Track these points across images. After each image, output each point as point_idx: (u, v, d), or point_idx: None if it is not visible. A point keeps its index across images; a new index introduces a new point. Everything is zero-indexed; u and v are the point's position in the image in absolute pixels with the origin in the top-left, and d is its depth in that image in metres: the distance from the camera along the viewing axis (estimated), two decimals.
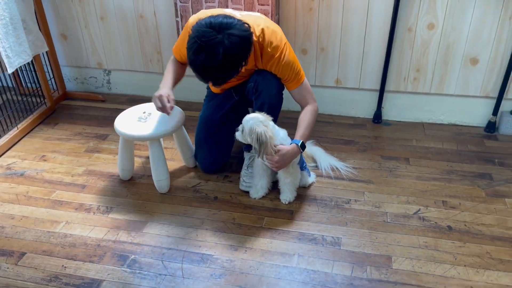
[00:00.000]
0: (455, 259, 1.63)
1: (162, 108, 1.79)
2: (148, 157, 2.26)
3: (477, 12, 2.16)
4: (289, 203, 1.92)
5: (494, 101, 2.38)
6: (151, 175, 2.09)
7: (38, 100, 2.67)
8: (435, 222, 1.81)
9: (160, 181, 1.97)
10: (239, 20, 1.61)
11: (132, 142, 2.01)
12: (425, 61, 2.35)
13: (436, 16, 2.21)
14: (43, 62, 2.66)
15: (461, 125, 2.50)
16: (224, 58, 1.55)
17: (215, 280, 1.56)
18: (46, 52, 2.63)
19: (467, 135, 2.42)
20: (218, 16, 1.63)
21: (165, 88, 1.85)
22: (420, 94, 2.47)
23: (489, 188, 2.00)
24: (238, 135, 1.77)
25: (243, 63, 1.63)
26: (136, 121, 1.96)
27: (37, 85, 2.64)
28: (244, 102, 2.14)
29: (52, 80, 2.79)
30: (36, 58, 2.53)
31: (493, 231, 1.76)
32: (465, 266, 1.60)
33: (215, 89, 2.11)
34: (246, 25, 1.63)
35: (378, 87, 2.48)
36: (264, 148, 1.68)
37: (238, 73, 1.67)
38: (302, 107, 1.91)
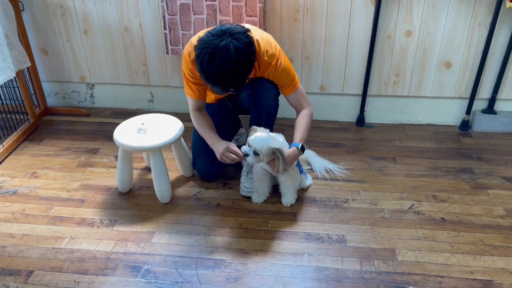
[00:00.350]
0: (453, 247, 1.75)
1: (234, 158, 1.83)
2: (144, 168, 2.26)
3: (450, 20, 2.34)
4: (291, 205, 1.99)
5: (467, 101, 2.57)
6: (150, 186, 2.11)
7: (20, 116, 2.60)
8: (429, 215, 1.93)
9: (162, 191, 1.98)
10: (235, 24, 1.67)
11: (131, 154, 2.01)
12: (404, 66, 2.50)
13: (413, 23, 2.37)
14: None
15: (438, 125, 2.67)
16: (238, 55, 1.59)
17: (232, 283, 1.60)
18: (27, 67, 2.58)
19: (444, 134, 2.59)
20: (214, 27, 1.68)
21: (219, 142, 1.89)
22: (400, 97, 2.62)
23: (472, 182, 2.15)
24: (250, 159, 1.76)
25: (254, 58, 1.68)
26: (136, 133, 1.97)
27: (19, 101, 2.58)
28: (238, 110, 2.20)
29: (33, 95, 2.73)
30: (18, 73, 2.48)
31: (482, 220, 1.90)
32: (462, 253, 1.72)
33: (209, 99, 2.14)
34: (238, 25, 1.68)
35: (360, 92, 2.60)
36: (283, 160, 1.73)
37: (251, 72, 1.70)
38: (298, 111, 1.99)
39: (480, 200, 2.02)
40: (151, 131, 1.98)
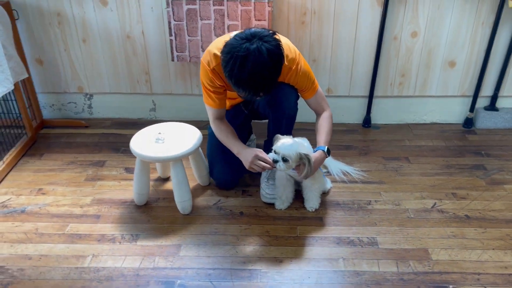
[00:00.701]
0: (483, 244, 1.77)
1: (264, 167, 1.76)
2: (157, 179, 2.19)
3: (454, 19, 2.38)
4: (315, 210, 1.96)
5: (470, 99, 2.62)
6: (167, 197, 2.04)
7: (17, 131, 2.47)
8: (454, 213, 1.94)
9: (184, 202, 1.92)
10: (258, 28, 1.64)
11: (148, 165, 1.94)
12: (409, 67, 2.53)
13: (419, 24, 2.40)
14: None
15: (442, 123, 2.71)
16: (270, 58, 1.56)
17: None
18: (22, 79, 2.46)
19: (449, 132, 2.63)
20: (238, 33, 1.64)
21: (246, 149, 1.83)
22: (405, 97, 2.64)
23: (487, 178, 2.19)
24: (281, 166, 1.73)
25: (283, 60, 1.65)
26: (154, 143, 1.90)
27: (16, 115, 2.45)
28: (254, 115, 2.16)
29: (29, 108, 2.60)
30: (15, 85, 2.35)
31: (504, 215, 1.93)
32: (493, 249, 1.74)
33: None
34: (264, 28, 1.65)
35: (367, 93, 2.61)
36: (310, 165, 1.70)
37: (280, 75, 1.67)
38: (319, 114, 1.97)
39: (499, 195, 2.06)
40: (169, 140, 1.91)
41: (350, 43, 2.47)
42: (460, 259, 1.69)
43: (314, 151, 1.84)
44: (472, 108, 2.62)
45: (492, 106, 2.63)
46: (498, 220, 1.90)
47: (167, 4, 2.27)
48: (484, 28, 2.41)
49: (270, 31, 1.63)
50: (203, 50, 2.37)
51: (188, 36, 2.35)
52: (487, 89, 2.59)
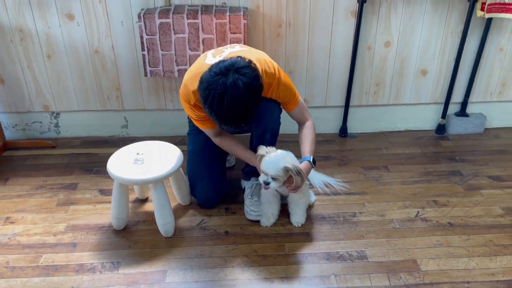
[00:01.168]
0: (468, 251, 1.79)
1: None
2: (135, 201, 2.10)
3: (425, 29, 2.43)
4: (302, 225, 1.93)
5: (442, 106, 2.68)
6: (147, 220, 1.96)
7: None
8: (437, 221, 1.96)
9: (166, 224, 1.84)
10: (233, 58, 1.59)
11: (127, 188, 1.85)
12: (383, 76, 2.56)
13: (391, 35, 2.44)
14: None
15: (416, 130, 2.76)
16: (248, 91, 1.52)
17: None
18: None
19: (424, 139, 2.67)
20: (214, 64, 1.59)
21: (256, 158, 1.80)
22: (380, 106, 2.67)
23: (464, 183, 2.23)
24: (273, 185, 1.70)
25: (262, 89, 1.62)
26: (133, 164, 1.81)
27: None
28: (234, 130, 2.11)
29: None
30: None
31: (485, 221, 1.97)
32: (479, 256, 1.77)
33: None
34: (240, 58, 1.61)
35: (343, 103, 2.62)
36: (302, 176, 1.67)
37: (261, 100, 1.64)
38: (302, 124, 1.93)
39: (477, 201, 2.10)
40: (149, 161, 1.83)
41: (326, 54, 2.47)
42: (448, 268, 1.71)
43: (300, 162, 1.81)
44: (444, 115, 2.68)
45: (462, 112, 2.70)
46: (480, 226, 1.93)
47: (139, 18, 2.19)
48: (453, 37, 2.47)
49: (246, 61, 1.58)
50: (178, 65, 2.31)
51: (162, 50, 2.28)
52: (458, 96, 2.66)
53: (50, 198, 2.13)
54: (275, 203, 1.91)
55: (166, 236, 1.87)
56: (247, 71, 1.55)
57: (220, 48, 1.88)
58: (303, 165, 1.77)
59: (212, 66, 1.58)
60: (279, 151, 1.76)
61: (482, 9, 2.33)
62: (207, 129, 1.86)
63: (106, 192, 2.16)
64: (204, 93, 1.55)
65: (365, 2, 2.31)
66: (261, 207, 1.93)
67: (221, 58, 1.73)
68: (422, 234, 1.88)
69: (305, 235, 1.88)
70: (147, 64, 2.31)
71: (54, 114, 2.59)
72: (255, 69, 1.58)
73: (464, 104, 2.67)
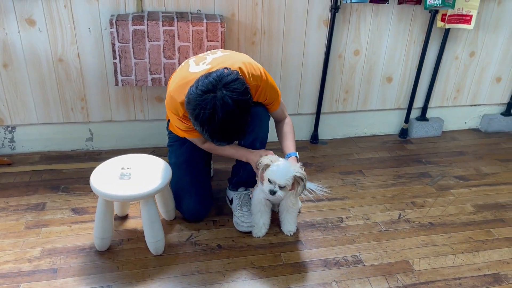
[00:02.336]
0: (453, 249, 1.88)
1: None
2: (115, 219, 1.97)
3: (391, 38, 2.55)
4: (294, 234, 1.92)
5: (405, 111, 2.82)
6: (131, 238, 1.86)
7: None
8: (419, 222, 2.05)
9: (157, 242, 1.74)
10: (219, 70, 1.55)
11: (113, 205, 1.73)
12: (353, 83, 2.64)
13: (361, 43, 2.52)
14: None
15: (381, 135, 2.87)
16: (237, 106, 1.49)
17: None
18: None
19: (390, 143, 2.79)
20: (199, 80, 1.54)
21: (253, 152, 1.79)
22: (349, 112, 2.75)
23: (435, 184, 2.36)
24: (280, 194, 1.66)
25: (251, 102, 1.59)
26: (119, 179, 1.70)
27: None
28: None
29: None
30: None
31: (460, 218, 2.09)
32: (463, 253, 1.86)
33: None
34: (226, 70, 1.58)
35: (314, 110, 2.67)
36: (305, 183, 1.67)
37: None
38: (281, 121, 1.94)
39: (450, 200, 2.22)
40: (136, 176, 1.73)
41: (299, 62, 2.50)
42: (439, 266, 1.78)
43: (287, 158, 1.80)
44: (407, 119, 2.82)
45: (423, 117, 2.85)
46: (457, 224, 2.04)
47: (111, 24, 2.07)
48: (415, 46, 2.61)
49: (233, 73, 1.54)
50: (151, 73, 2.21)
51: (135, 58, 2.17)
52: (419, 101, 2.81)
53: (16, 221, 1.93)
54: (266, 213, 1.89)
55: (156, 254, 1.77)
56: (235, 86, 1.51)
57: (202, 54, 1.82)
58: (293, 161, 1.77)
59: (198, 83, 1.53)
60: (281, 158, 1.74)
61: (443, 20, 2.48)
62: (196, 138, 1.79)
63: (80, 211, 2.01)
64: (193, 112, 1.50)
65: (337, 11, 2.37)
66: (252, 218, 1.90)
67: (205, 66, 1.68)
68: (408, 235, 1.95)
69: (299, 244, 1.88)
70: (118, 73, 2.19)
71: (9, 128, 2.37)
72: (243, 82, 1.55)
73: (424, 109, 2.83)
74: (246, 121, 1.57)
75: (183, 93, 1.61)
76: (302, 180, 1.68)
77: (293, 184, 1.70)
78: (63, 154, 2.46)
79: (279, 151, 1.84)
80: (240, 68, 1.68)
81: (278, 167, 1.65)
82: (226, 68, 1.57)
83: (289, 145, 1.85)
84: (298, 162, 1.80)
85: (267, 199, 1.86)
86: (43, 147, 2.45)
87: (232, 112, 1.49)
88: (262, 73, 1.75)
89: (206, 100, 1.48)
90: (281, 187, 1.66)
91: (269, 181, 1.66)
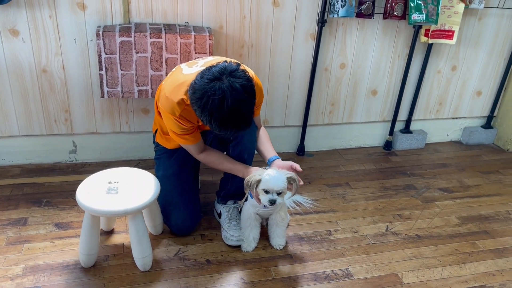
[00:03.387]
0: (440, 261, 1.90)
1: None
2: (101, 233, 1.92)
3: (376, 52, 2.59)
4: (283, 247, 1.91)
5: (389, 124, 2.86)
6: (118, 254, 1.82)
7: None
8: (406, 234, 2.06)
9: (144, 258, 1.71)
10: (221, 63, 1.55)
11: (99, 220, 1.69)
12: (338, 96, 2.67)
13: (346, 57, 2.55)
14: None
15: (366, 147, 2.90)
16: (246, 92, 1.49)
17: None
18: None
19: (375, 155, 2.82)
20: (203, 71, 1.54)
21: (250, 169, 1.77)
22: (334, 125, 2.77)
23: (420, 196, 2.39)
24: (280, 201, 1.66)
25: (255, 88, 1.58)
26: (106, 194, 1.66)
27: None
28: None
29: None
30: None
31: (446, 230, 2.11)
32: (450, 265, 1.89)
33: (174, 145, 1.93)
34: (226, 62, 1.58)
35: (301, 122, 2.68)
36: (297, 183, 1.69)
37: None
38: (258, 128, 1.94)
39: (435, 212, 2.25)
40: (124, 190, 1.69)
41: (286, 75, 2.51)
42: (427, 279, 1.80)
43: (270, 161, 1.80)
44: (391, 132, 2.86)
45: (407, 129, 2.90)
46: (443, 236, 2.07)
47: (97, 35, 2.04)
48: (400, 60, 2.66)
49: (234, 64, 1.55)
50: (138, 85, 2.19)
51: (121, 70, 2.14)
52: (403, 114, 2.86)
53: None
54: (256, 227, 1.87)
55: (143, 270, 1.73)
56: (240, 73, 1.52)
57: (192, 60, 1.82)
58: (279, 163, 1.77)
59: (203, 73, 1.52)
60: (267, 167, 1.74)
61: (426, 35, 2.54)
62: (191, 145, 1.76)
63: (63, 226, 1.96)
64: (200, 101, 1.48)
65: (324, 25, 2.39)
66: (242, 232, 1.88)
67: (198, 68, 1.67)
68: (396, 248, 1.96)
69: (288, 257, 1.86)
70: (104, 84, 2.16)
71: None
72: (245, 71, 1.56)
73: (408, 121, 2.87)
74: (252, 107, 1.55)
75: (179, 93, 1.61)
76: (295, 180, 1.69)
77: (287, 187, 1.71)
78: (45, 167, 2.40)
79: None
80: (234, 61, 1.68)
81: (270, 176, 1.65)
82: (226, 61, 1.57)
83: (270, 149, 1.86)
84: None
85: (257, 214, 1.84)
86: (25, 159, 2.39)
87: (241, 97, 1.47)
88: (253, 74, 1.75)
89: (214, 87, 1.46)
90: (279, 194, 1.65)
91: (265, 192, 1.65)
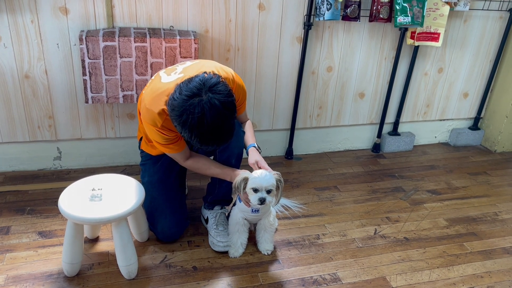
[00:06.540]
0: (428, 264, 1.90)
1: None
2: (85, 241, 1.89)
3: (363, 55, 2.59)
4: (271, 252, 1.89)
5: (377, 126, 2.86)
6: (102, 262, 1.78)
7: None
8: (394, 237, 2.06)
9: (130, 265, 1.68)
10: (200, 75, 1.53)
11: (83, 229, 1.66)
12: (326, 99, 2.66)
13: (333, 60, 2.55)
14: None
15: (354, 150, 2.90)
16: (225, 108, 1.48)
17: None
18: None
19: (363, 158, 2.82)
20: (181, 86, 1.52)
21: (237, 171, 1.75)
22: (322, 128, 2.76)
23: (408, 199, 2.38)
24: (269, 199, 1.66)
25: (235, 102, 1.57)
26: (89, 201, 1.63)
27: None
28: None
29: None
30: None
31: (434, 233, 2.11)
32: (438, 267, 1.88)
33: (157, 152, 1.90)
34: (206, 74, 1.56)
35: (289, 126, 2.67)
36: (282, 185, 1.70)
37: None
38: (243, 123, 1.93)
39: (423, 214, 2.25)
40: (107, 197, 1.66)
41: (273, 79, 2.50)
42: (415, 282, 1.79)
43: (247, 149, 1.81)
44: (379, 134, 2.86)
45: (394, 132, 2.90)
46: (431, 239, 2.06)
47: (80, 40, 2.01)
48: (386, 63, 2.66)
49: (215, 75, 1.53)
50: (123, 90, 2.16)
51: (106, 75, 2.11)
52: (390, 116, 2.86)
53: None
54: (244, 233, 1.85)
55: (129, 278, 1.70)
56: (220, 88, 1.50)
57: (171, 66, 1.80)
58: (252, 151, 1.79)
59: (181, 89, 1.50)
60: (242, 171, 1.73)
61: (412, 37, 2.54)
62: (175, 153, 1.74)
63: (47, 235, 1.92)
64: (180, 118, 1.46)
65: (310, 28, 2.39)
66: (229, 238, 1.86)
67: (177, 75, 1.65)
68: (384, 251, 1.96)
69: (276, 263, 1.85)
70: (88, 90, 2.13)
71: None
72: (226, 84, 1.54)
73: (396, 124, 2.88)
74: (233, 122, 1.55)
75: (159, 104, 1.58)
76: (281, 181, 1.69)
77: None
78: (29, 174, 2.36)
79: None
80: (213, 72, 1.66)
81: (258, 174, 1.66)
82: (205, 72, 1.55)
83: (248, 139, 1.86)
84: (260, 151, 1.83)
85: (245, 219, 1.82)
86: (7, 167, 2.35)
87: (220, 113, 1.47)
88: (231, 75, 1.73)
89: (193, 104, 1.45)
90: (268, 192, 1.64)
91: (254, 190, 1.64)
